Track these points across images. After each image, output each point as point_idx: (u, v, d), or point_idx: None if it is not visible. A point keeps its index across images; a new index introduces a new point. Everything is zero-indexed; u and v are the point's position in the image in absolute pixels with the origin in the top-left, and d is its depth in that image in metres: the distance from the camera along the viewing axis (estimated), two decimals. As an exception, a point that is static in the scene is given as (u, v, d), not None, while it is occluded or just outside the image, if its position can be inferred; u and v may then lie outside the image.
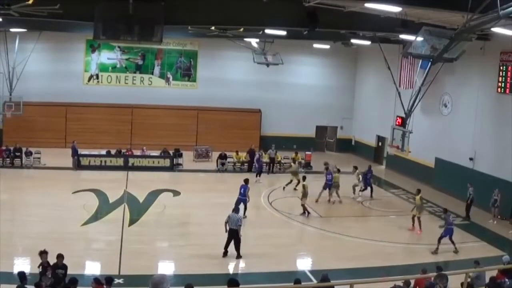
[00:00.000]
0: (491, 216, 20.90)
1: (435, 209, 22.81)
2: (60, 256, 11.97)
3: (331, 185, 23.04)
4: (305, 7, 15.85)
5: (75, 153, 26.85)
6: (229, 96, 33.83)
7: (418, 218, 19.56)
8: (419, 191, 20.23)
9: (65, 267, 11.87)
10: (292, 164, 26.54)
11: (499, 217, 20.86)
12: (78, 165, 26.84)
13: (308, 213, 20.83)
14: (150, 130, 32.25)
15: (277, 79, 33.78)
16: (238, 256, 15.69)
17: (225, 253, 15.73)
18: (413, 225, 19.79)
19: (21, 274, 10.92)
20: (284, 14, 18.00)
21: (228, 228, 15.66)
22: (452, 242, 17.28)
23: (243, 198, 19.72)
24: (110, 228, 18.01)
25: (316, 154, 32.64)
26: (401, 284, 11.62)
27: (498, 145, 22.38)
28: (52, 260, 11.92)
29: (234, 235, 15.63)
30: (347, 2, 16.12)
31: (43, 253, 11.75)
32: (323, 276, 11.55)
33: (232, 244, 15.72)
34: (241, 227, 15.64)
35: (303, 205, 20.77)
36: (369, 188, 24.29)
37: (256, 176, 26.33)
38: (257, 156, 28.11)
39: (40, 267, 11.61)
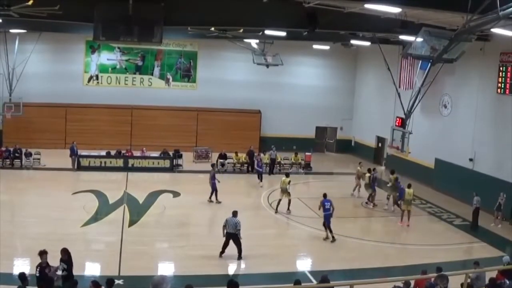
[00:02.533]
0: (492, 218, 20.65)
1: (435, 210, 22.83)
2: (62, 251, 12.03)
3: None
4: (305, 8, 15.85)
5: (72, 153, 26.87)
6: (229, 97, 33.83)
7: (409, 212, 20.31)
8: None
9: (68, 263, 11.84)
10: (370, 173, 23.61)
11: (499, 218, 20.77)
12: (77, 166, 26.83)
13: (276, 210, 21.21)
14: (149, 131, 32.26)
15: (277, 80, 33.79)
16: (240, 257, 15.69)
17: (222, 253, 15.69)
18: (401, 220, 20.41)
19: (22, 276, 10.89)
20: (283, 15, 18.01)
21: (225, 232, 15.60)
22: (329, 229, 17.79)
23: (213, 181, 21.75)
24: (110, 229, 18.00)
25: (316, 155, 32.66)
26: (401, 285, 11.61)
27: (498, 146, 22.37)
28: (52, 260, 11.91)
29: (233, 239, 15.59)
30: (347, 3, 16.12)
31: (43, 253, 11.72)
32: (323, 277, 11.54)
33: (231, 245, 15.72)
34: (240, 231, 15.59)
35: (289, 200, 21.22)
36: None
37: (258, 178, 26.07)
38: (256, 162, 27.31)
39: (38, 267, 11.58)
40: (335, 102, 35.89)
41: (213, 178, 22.02)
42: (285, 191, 21.07)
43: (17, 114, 28.63)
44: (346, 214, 21.72)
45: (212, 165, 23.21)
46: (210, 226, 19.04)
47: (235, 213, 15.96)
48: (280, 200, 21.15)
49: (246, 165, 29.08)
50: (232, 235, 15.54)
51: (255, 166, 27.19)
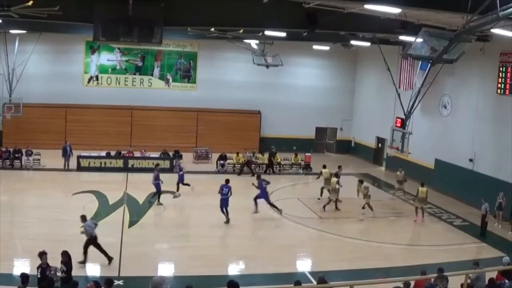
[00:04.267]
0: (492, 219, 20.58)
1: (435, 210, 22.82)
2: (62, 253, 12.08)
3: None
4: (305, 8, 15.87)
5: (64, 153, 26.88)
6: (229, 98, 33.84)
7: (422, 208, 20.81)
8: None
9: (68, 265, 11.86)
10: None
11: (499, 218, 20.74)
12: (67, 166, 26.81)
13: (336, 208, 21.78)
14: (149, 131, 32.28)
15: (276, 80, 33.82)
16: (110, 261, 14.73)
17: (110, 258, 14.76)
18: (419, 215, 20.78)
19: (24, 276, 10.88)
20: (283, 15, 18.01)
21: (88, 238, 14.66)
22: (226, 213, 19.08)
23: (156, 181, 21.34)
24: (110, 230, 17.94)
25: (316, 155, 32.65)
26: (401, 286, 11.59)
27: (498, 147, 22.37)
28: (52, 261, 11.92)
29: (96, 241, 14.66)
30: (347, 4, 16.13)
31: (42, 254, 11.74)
32: (320, 278, 11.54)
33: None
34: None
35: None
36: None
37: (178, 186, 22.98)
38: (179, 165, 24.34)
39: (39, 268, 11.60)
40: (335, 102, 35.91)
41: (156, 179, 21.43)
42: (334, 191, 21.45)
43: (17, 115, 28.64)
44: (346, 215, 21.72)
45: (156, 165, 22.66)
46: (210, 227, 19.01)
47: (85, 217, 15.07)
48: (330, 200, 21.61)
49: (264, 166, 29.18)
50: (96, 237, 14.64)
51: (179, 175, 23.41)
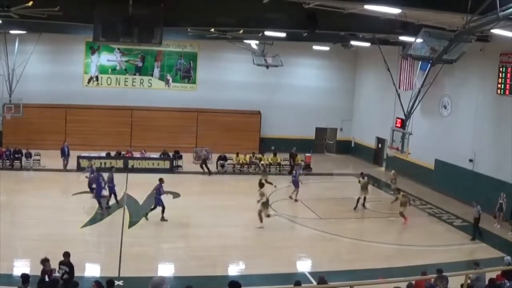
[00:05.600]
0: (495, 220, 20.46)
1: (435, 211, 22.83)
2: (64, 254, 12.03)
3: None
4: (305, 8, 15.87)
5: (62, 154, 26.85)
6: (229, 98, 33.83)
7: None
8: (399, 190, 22.21)
9: (69, 266, 11.84)
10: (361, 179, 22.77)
11: (499, 218, 20.72)
12: (65, 167, 26.80)
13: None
14: (149, 132, 32.26)
15: (276, 81, 33.82)
16: None
17: None
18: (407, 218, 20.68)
19: (24, 276, 10.86)
20: (283, 16, 18.01)
21: None
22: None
23: (111, 185, 20.98)
24: (109, 230, 18.00)
25: (316, 156, 32.66)
26: (401, 286, 11.59)
27: (498, 147, 22.37)
28: (52, 262, 11.89)
29: None
30: (347, 4, 16.12)
31: (45, 261, 11.65)
32: (320, 278, 11.55)
33: None
34: None
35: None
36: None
37: (107, 203, 20.80)
38: (91, 167, 22.95)
39: (46, 275, 11.54)
40: (335, 103, 35.88)
41: (110, 182, 20.90)
42: (364, 189, 22.06)
43: (17, 115, 28.58)
44: (346, 215, 21.73)
45: (111, 168, 22.32)
46: (209, 227, 19.02)
47: None
48: (359, 198, 22.11)
49: (289, 167, 29.20)
50: None
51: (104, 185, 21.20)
